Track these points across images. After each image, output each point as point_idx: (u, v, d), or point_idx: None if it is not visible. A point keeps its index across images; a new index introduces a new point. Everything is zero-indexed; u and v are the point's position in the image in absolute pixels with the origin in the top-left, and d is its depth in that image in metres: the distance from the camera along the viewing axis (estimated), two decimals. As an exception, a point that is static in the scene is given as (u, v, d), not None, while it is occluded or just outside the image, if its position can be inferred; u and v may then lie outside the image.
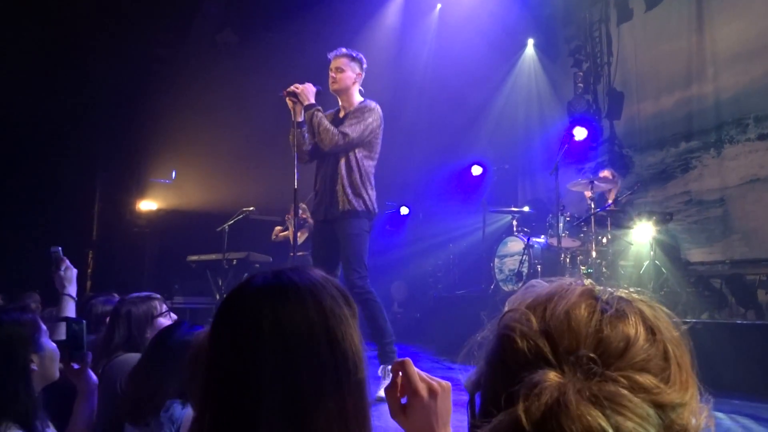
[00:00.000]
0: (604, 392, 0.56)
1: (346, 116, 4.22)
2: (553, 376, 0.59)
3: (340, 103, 4.35)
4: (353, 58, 4.23)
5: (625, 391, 0.57)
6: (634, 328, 0.63)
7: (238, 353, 0.85)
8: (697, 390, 0.64)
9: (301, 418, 0.82)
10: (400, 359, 0.96)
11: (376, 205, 4.22)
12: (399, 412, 0.97)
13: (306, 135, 4.28)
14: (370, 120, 4.13)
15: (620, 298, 0.67)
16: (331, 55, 4.26)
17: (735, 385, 4.26)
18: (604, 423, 0.54)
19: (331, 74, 4.22)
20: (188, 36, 9.21)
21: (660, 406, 0.58)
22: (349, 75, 4.21)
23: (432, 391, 0.94)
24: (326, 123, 4.07)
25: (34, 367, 1.77)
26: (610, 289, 0.69)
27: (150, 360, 1.94)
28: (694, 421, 0.62)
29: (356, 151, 4.14)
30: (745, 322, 5.19)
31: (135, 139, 9.25)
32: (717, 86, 7.31)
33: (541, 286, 0.71)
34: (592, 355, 0.60)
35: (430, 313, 8.40)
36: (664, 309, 0.68)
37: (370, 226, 4.23)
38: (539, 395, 0.57)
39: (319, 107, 4.16)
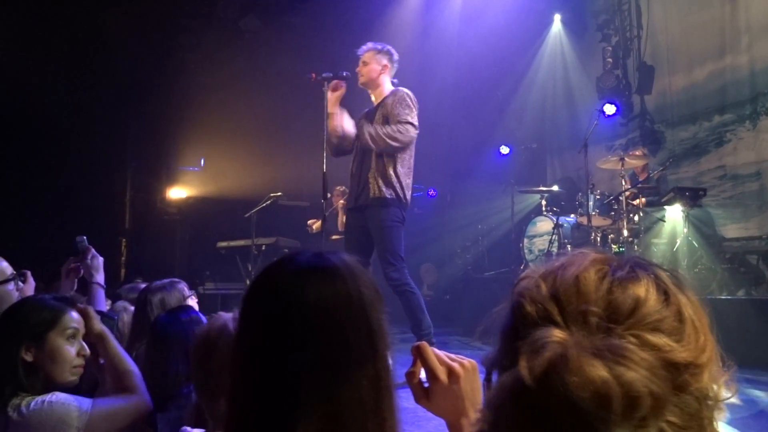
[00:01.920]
0: (608, 345, 0.55)
1: (379, 106, 4.23)
2: (557, 332, 0.58)
3: (372, 97, 4.37)
4: (379, 51, 4.26)
5: (630, 345, 0.56)
6: (645, 289, 0.61)
7: (279, 328, 0.86)
8: (717, 354, 0.62)
9: (337, 395, 0.84)
10: (416, 344, 0.95)
11: (408, 195, 4.19)
12: (422, 396, 0.96)
13: (339, 128, 4.26)
14: (410, 103, 4.14)
15: (635, 262, 0.65)
16: (358, 52, 4.29)
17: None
18: (605, 373, 0.53)
19: (358, 69, 4.26)
20: (212, 23, 9.24)
21: (672, 364, 0.57)
22: (374, 67, 4.23)
23: (453, 373, 0.92)
24: (391, 135, 4.03)
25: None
26: (626, 256, 0.67)
27: (156, 349, 1.96)
28: (714, 386, 0.60)
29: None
30: (783, 298, 5.06)
31: (164, 128, 9.35)
32: (751, 56, 7.08)
33: (577, 252, 0.70)
34: (596, 309, 0.59)
35: (459, 295, 8.39)
36: (685, 276, 0.67)
37: (403, 216, 4.20)
38: (542, 350, 0.56)
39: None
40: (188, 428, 1.37)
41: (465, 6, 9.03)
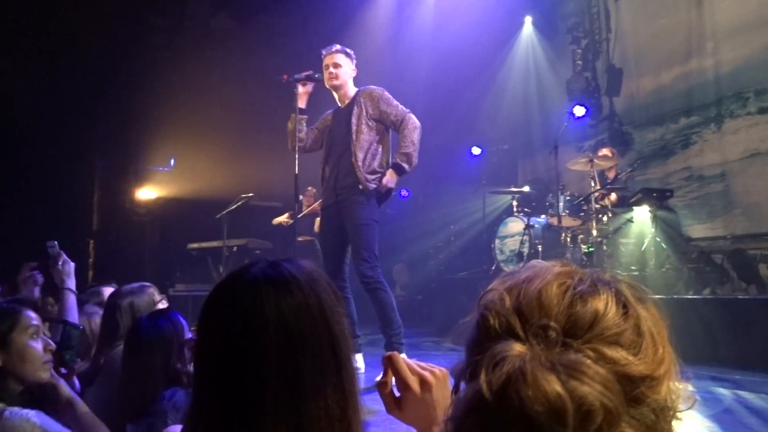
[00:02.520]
0: (563, 360, 0.57)
1: (350, 106, 4.22)
2: (517, 347, 0.59)
3: (336, 98, 4.37)
4: (348, 55, 4.31)
5: (585, 359, 0.57)
6: (604, 303, 0.63)
7: (240, 342, 0.85)
8: (675, 366, 0.64)
9: (302, 406, 0.84)
10: (387, 354, 0.94)
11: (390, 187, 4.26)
12: (394, 407, 0.96)
13: (305, 124, 4.31)
14: (390, 97, 4.27)
15: (597, 277, 0.67)
16: (324, 51, 4.30)
17: (737, 361, 4.27)
18: (558, 388, 0.54)
19: (329, 70, 4.24)
20: (183, 21, 9.14)
21: (628, 377, 0.58)
22: (347, 71, 4.28)
23: (425, 383, 0.92)
24: (412, 138, 4.15)
25: None
26: (589, 270, 0.69)
27: (130, 357, 1.94)
28: (672, 398, 0.62)
29: (371, 135, 4.18)
30: (747, 297, 5.18)
31: (133, 127, 9.21)
32: (717, 60, 7.24)
33: (542, 265, 0.71)
34: (555, 325, 0.60)
35: (431, 295, 8.43)
36: (645, 288, 0.68)
37: (379, 215, 4.25)
38: (501, 364, 0.58)
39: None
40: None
41: (437, 8, 9.08)
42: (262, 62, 8.09)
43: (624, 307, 0.63)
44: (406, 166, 4.14)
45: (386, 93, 4.28)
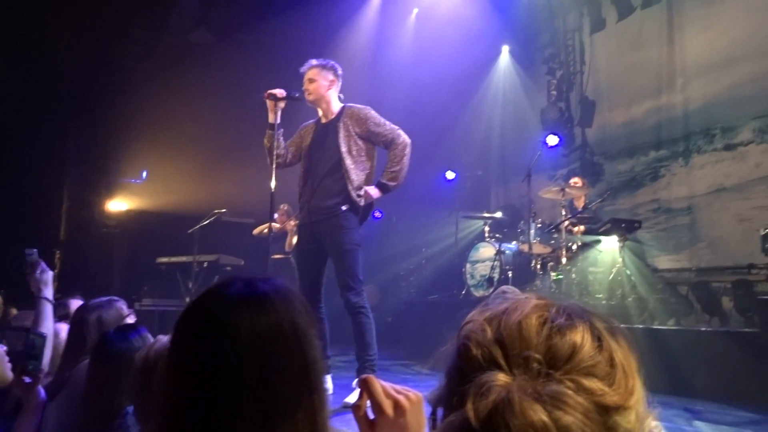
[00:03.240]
0: (547, 390, 0.60)
1: (334, 122, 4.22)
2: (501, 376, 0.62)
3: (320, 113, 4.36)
4: (324, 67, 4.26)
5: (567, 390, 0.60)
6: (581, 336, 0.66)
7: (213, 363, 0.84)
8: (643, 396, 0.67)
9: (273, 428, 0.83)
10: (363, 376, 0.95)
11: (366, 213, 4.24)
12: (367, 430, 0.96)
13: (282, 138, 4.29)
14: (378, 116, 4.28)
15: (572, 310, 0.70)
16: (302, 69, 4.29)
17: (699, 391, 4.34)
18: (544, 417, 0.57)
19: (305, 87, 4.25)
20: (162, 34, 9.10)
21: (603, 408, 0.61)
22: (322, 83, 4.23)
23: (399, 407, 0.93)
24: (402, 156, 4.21)
25: None
26: (564, 302, 0.72)
27: (96, 370, 1.91)
28: (640, 425, 0.65)
29: (360, 155, 4.19)
30: (709, 329, 5.29)
31: (105, 137, 9.11)
32: (686, 97, 7.45)
33: (512, 291, 0.74)
34: (538, 357, 0.63)
35: (401, 318, 8.41)
36: (613, 320, 0.72)
37: (360, 238, 4.21)
38: (487, 393, 0.60)
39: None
40: None
41: (417, 33, 9.21)
42: (241, 78, 8.09)
43: (598, 339, 0.67)
44: (391, 184, 4.15)
45: (372, 111, 4.27)
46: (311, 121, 4.44)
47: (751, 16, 6.82)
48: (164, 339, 1.39)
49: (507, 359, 0.64)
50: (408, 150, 4.23)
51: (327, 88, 4.25)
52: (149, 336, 1.98)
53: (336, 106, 4.29)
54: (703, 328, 5.36)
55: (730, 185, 6.92)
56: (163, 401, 0.89)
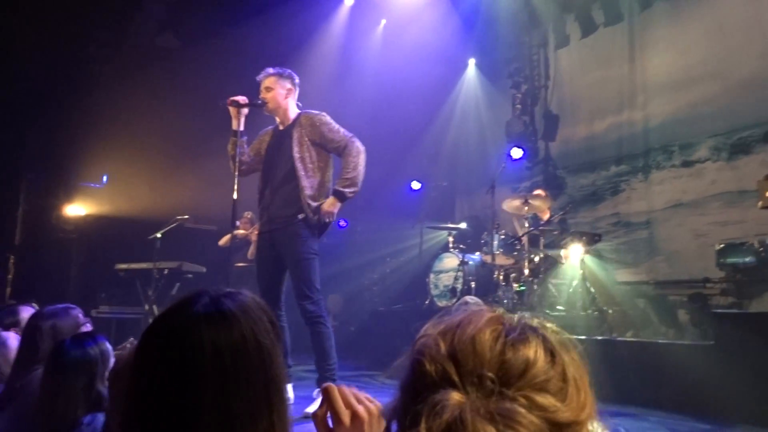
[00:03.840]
0: (500, 409, 0.60)
1: (290, 129, 4.20)
2: (455, 395, 0.62)
3: (277, 120, 4.34)
4: (281, 76, 4.24)
5: (520, 408, 0.61)
6: (534, 351, 0.66)
7: (175, 379, 0.85)
8: (595, 410, 0.68)
9: None
10: (325, 385, 0.95)
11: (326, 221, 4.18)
12: None
13: (246, 146, 4.27)
14: (332, 122, 4.23)
15: (525, 324, 0.70)
16: (259, 78, 4.26)
17: (654, 402, 4.43)
18: None
19: (262, 96, 4.22)
20: (127, 37, 8.96)
21: (556, 424, 0.62)
22: (279, 92, 4.21)
23: (356, 418, 0.92)
24: (356, 163, 4.13)
25: None
26: (517, 315, 0.72)
27: (50, 380, 1.86)
28: None
29: (313, 163, 4.14)
30: (665, 341, 5.40)
31: (65, 140, 8.89)
32: (646, 114, 7.64)
33: (474, 302, 0.74)
34: (491, 375, 0.63)
35: (365, 327, 8.39)
36: (567, 334, 0.72)
37: (319, 246, 4.18)
38: (440, 413, 0.60)
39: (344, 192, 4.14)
40: None
41: (384, 43, 9.26)
42: (207, 84, 8.01)
43: (551, 354, 0.67)
44: (347, 191, 4.08)
45: (327, 117, 4.22)
46: (270, 127, 4.43)
47: (708, 38, 7.04)
48: None
49: (460, 376, 0.64)
50: (362, 157, 4.16)
51: (285, 97, 4.23)
52: (107, 345, 1.93)
53: (293, 113, 4.28)
54: (660, 341, 5.47)
55: (687, 201, 7.11)
56: (124, 410, 0.89)
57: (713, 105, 6.93)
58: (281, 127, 4.30)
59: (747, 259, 6.14)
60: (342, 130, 4.20)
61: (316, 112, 4.25)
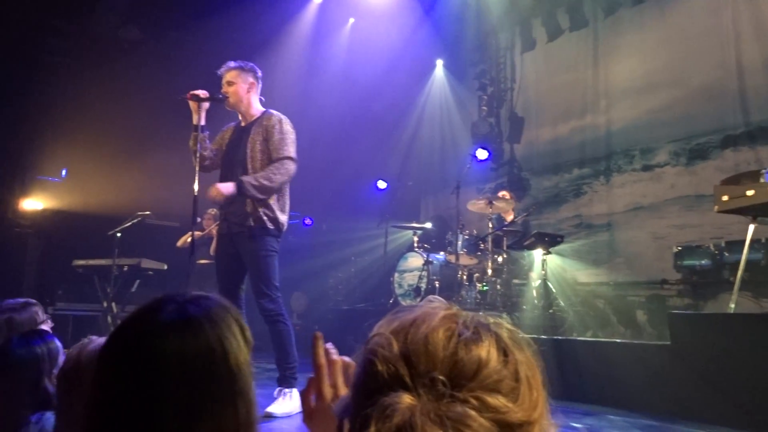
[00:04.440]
0: (451, 413, 0.60)
1: (251, 127, 4.15)
2: (406, 398, 0.62)
3: (240, 116, 4.28)
4: (243, 69, 4.15)
5: (471, 411, 0.60)
6: (486, 351, 0.66)
7: (138, 388, 0.83)
8: (547, 408, 0.68)
9: None
10: (315, 333, 0.94)
11: (284, 222, 4.10)
12: (308, 416, 0.96)
13: (208, 141, 4.19)
14: (289, 131, 4.09)
15: (479, 322, 0.70)
16: (220, 71, 4.18)
17: (612, 400, 4.51)
18: None
19: (223, 90, 4.14)
20: (88, 29, 8.75)
21: (507, 425, 0.62)
22: (241, 86, 4.13)
23: (338, 397, 0.92)
24: (272, 179, 3.94)
25: None
26: (471, 313, 0.72)
27: (3, 375, 1.80)
28: None
29: (256, 163, 4.03)
30: (623, 341, 5.50)
31: (21, 132, 8.64)
32: (608, 118, 7.79)
33: (438, 301, 0.74)
34: (441, 377, 0.63)
35: (329, 326, 8.36)
36: (521, 333, 0.72)
37: (279, 244, 4.11)
38: (390, 417, 0.60)
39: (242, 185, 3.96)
40: None
41: (352, 42, 9.24)
42: (170, 77, 7.87)
43: (504, 353, 0.67)
44: (250, 191, 3.92)
45: (287, 125, 4.09)
46: (233, 123, 4.35)
47: (669, 46, 7.22)
48: (98, 341, 1.33)
49: (412, 377, 0.64)
50: (285, 177, 3.98)
51: (246, 91, 4.14)
52: (57, 342, 1.88)
53: (257, 110, 4.20)
54: (618, 340, 5.57)
55: (646, 204, 7.27)
56: (88, 414, 0.87)
57: (673, 111, 7.10)
58: (243, 123, 4.23)
59: (703, 262, 6.30)
60: (291, 146, 4.05)
61: (280, 115, 4.14)
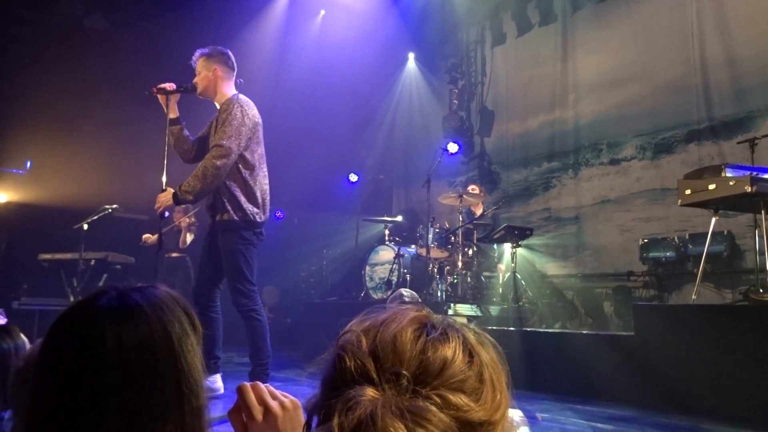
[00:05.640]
0: (412, 407, 0.62)
1: (216, 116, 4.09)
2: (370, 392, 0.64)
3: (216, 105, 4.21)
4: (210, 56, 4.04)
5: (431, 407, 0.62)
6: (452, 351, 0.68)
7: (77, 376, 0.82)
8: (509, 410, 0.70)
9: None
10: (239, 384, 0.94)
11: (259, 215, 4.01)
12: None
13: (187, 131, 4.13)
14: (235, 117, 3.85)
15: (447, 323, 0.72)
16: (192, 61, 4.10)
17: (579, 391, 4.60)
18: None
19: (195, 80, 4.07)
20: (53, 17, 8.56)
21: (468, 423, 0.64)
22: (206, 75, 4.02)
23: (269, 413, 0.92)
24: (201, 181, 3.78)
25: None
26: (441, 316, 0.74)
27: None
28: None
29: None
30: (589, 332, 5.61)
31: (-15, 123, 8.44)
32: (576, 112, 7.89)
33: (409, 294, 0.76)
34: (405, 373, 0.65)
35: (300, 320, 8.36)
36: (488, 335, 0.75)
37: (254, 239, 4.02)
38: (353, 409, 0.62)
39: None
40: None
41: (323, 34, 9.19)
42: (138, 68, 7.76)
43: (470, 354, 0.69)
44: (183, 197, 3.83)
45: (234, 111, 3.85)
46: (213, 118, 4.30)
47: (636, 42, 7.33)
48: None
49: (379, 373, 0.65)
50: (216, 169, 3.77)
51: (211, 79, 4.02)
52: (24, 339, 1.86)
53: (225, 95, 4.05)
54: (584, 331, 5.67)
55: (613, 197, 7.40)
56: (30, 406, 0.86)
57: (639, 106, 7.22)
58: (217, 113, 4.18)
59: (668, 254, 6.46)
60: (235, 129, 3.82)
61: (239, 101, 3.95)
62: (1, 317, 2.36)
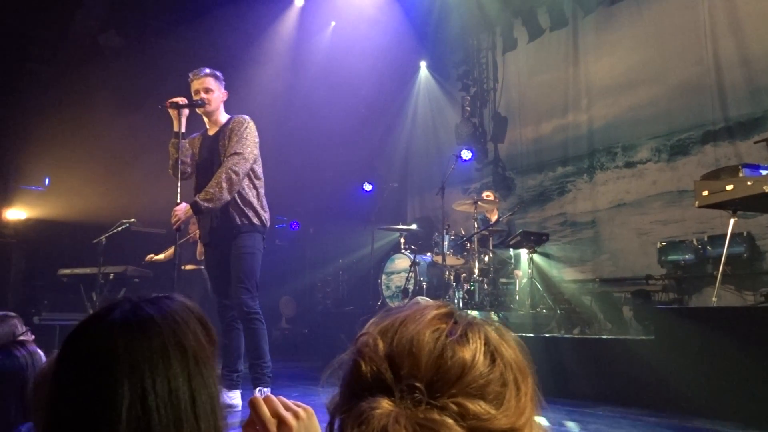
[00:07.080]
0: (426, 420, 0.60)
1: (218, 135, 4.15)
2: (385, 403, 0.62)
3: (207, 124, 4.27)
4: (218, 78, 4.18)
5: (448, 420, 0.60)
6: (472, 354, 0.65)
7: (90, 390, 0.81)
8: (535, 413, 0.67)
9: None
10: (251, 398, 0.93)
11: (267, 218, 4.17)
12: None
13: (186, 146, 4.19)
14: (250, 133, 4.06)
15: (468, 323, 0.69)
16: (192, 75, 4.16)
17: (601, 396, 4.55)
18: None
19: (200, 95, 4.11)
20: (68, 34, 8.69)
21: None
22: (218, 96, 4.16)
23: (284, 425, 0.92)
24: (219, 186, 3.89)
25: None
26: (464, 313, 0.71)
27: None
28: None
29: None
30: (609, 337, 5.55)
31: (3, 141, 8.57)
32: (590, 116, 7.85)
33: (426, 302, 0.73)
34: (419, 385, 0.62)
35: (317, 329, 8.36)
36: (512, 333, 0.71)
37: (263, 244, 4.15)
38: (367, 423, 0.60)
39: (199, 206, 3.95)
40: None
41: (334, 44, 9.23)
42: (152, 84, 7.84)
43: (491, 355, 0.66)
44: (204, 205, 3.91)
45: (248, 127, 4.07)
46: (196, 133, 4.34)
47: (648, 44, 7.29)
48: None
49: (395, 380, 0.63)
50: (233, 177, 3.91)
51: (221, 101, 4.20)
52: (39, 352, 1.87)
53: (224, 118, 4.22)
54: (604, 336, 5.62)
55: (630, 201, 7.34)
56: (45, 420, 0.85)
57: (653, 108, 7.17)
58: (210, 132, 4.23)
59: (687, 257, 6.39)
60: (249, 144, 4.02)
61: (245, 117, 4.14)
62: (28, 335, 2.38)
